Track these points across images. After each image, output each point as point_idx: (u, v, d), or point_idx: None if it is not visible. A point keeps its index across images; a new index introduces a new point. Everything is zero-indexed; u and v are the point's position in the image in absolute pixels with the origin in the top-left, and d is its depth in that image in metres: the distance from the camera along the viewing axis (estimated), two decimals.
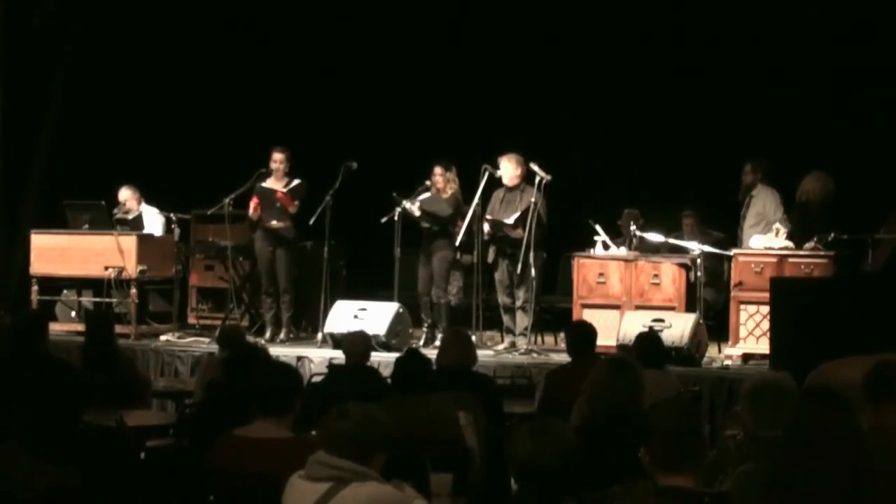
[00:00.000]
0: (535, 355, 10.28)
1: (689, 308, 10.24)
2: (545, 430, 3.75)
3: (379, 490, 3.99)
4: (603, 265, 10.62)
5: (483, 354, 9.38)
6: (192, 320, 12.51)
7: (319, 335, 10.84)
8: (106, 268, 11.20)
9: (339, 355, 8.72)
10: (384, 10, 13.56)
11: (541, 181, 10.42)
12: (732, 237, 10.85)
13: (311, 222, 10.93)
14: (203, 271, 12.77)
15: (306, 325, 11.71)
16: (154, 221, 11.94)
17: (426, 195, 10.80)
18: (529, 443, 3.70)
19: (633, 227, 10.77)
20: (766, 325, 9.56)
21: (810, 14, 12.19)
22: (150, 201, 12.04)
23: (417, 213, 10.72)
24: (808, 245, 9.88)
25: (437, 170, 10.84)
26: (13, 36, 13.02)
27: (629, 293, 10.49)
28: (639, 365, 5.90)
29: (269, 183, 11.04)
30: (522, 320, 10.58)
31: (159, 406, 9.30)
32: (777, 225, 10.12)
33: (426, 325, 10.93)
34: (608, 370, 5.66)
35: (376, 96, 13.53)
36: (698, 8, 12.51)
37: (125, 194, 11.88)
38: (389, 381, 6.48)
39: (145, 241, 11.46)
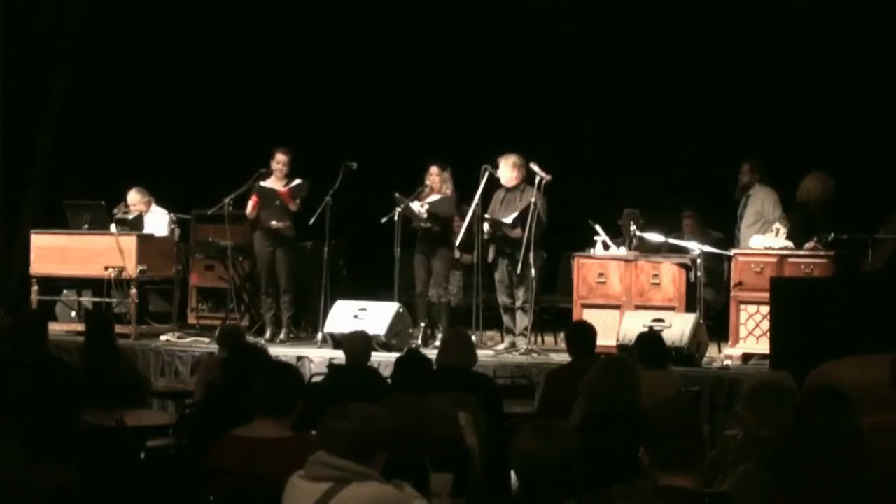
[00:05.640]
0: (535, 355, 10.28)
1: (689, 308, 10.23)
2: (550, 430, 3.74)
3: (379, 490, 3.99)
4: (603, 265, 10.62)
5: (483, 354, 9.38)
6: (192, 320, 12.51)
7: (319, 335, 10.83)
8: (106, 268, 11.19)
9: (339, 355, 8.72)
10: (384, 10, 13.55)
11: (541, 181, 10.42)
12: (732, 237, 10.85)
13: (311, 222, 10.93)
14: (203, 271, 12.77)
15: (306, 325, 11.71)
16: (160, 222, 11.88)
17: (435, 197, 10.79)
18: (535, 442, 3.70)
19: (633, 227, 10.76)
20: (766, 325, 9.55)
21: (811, 14, 12.20)
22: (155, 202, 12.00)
23: (426, 214, 10.71)
24: (808, 245, 9.87)
25: (435, 168, 10.83)
26: (13, 36, 13.02)
27: (629, 293, 10.49)
28: (636, 365, 5.90)
29: (269, 183, 11.03)
30: (522, 320, 10.57)
31: (159, 406, 9.28)
32: (777, 225, 10.12)
33: (423, 325, 10.92)
34: (604, 370, 5.66)
35: (376, 96, 13.53)
36: (698, 8, 12.51)
37: (134, 197, 11.78)
38: (389, 381, 6.48)
39: (145, 241, 11.44)
